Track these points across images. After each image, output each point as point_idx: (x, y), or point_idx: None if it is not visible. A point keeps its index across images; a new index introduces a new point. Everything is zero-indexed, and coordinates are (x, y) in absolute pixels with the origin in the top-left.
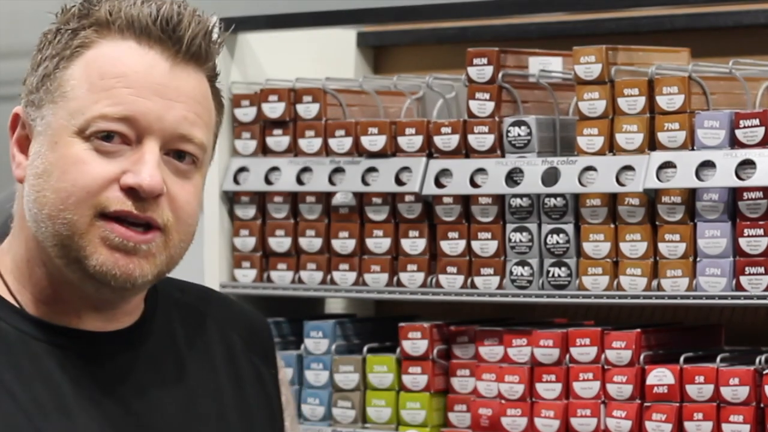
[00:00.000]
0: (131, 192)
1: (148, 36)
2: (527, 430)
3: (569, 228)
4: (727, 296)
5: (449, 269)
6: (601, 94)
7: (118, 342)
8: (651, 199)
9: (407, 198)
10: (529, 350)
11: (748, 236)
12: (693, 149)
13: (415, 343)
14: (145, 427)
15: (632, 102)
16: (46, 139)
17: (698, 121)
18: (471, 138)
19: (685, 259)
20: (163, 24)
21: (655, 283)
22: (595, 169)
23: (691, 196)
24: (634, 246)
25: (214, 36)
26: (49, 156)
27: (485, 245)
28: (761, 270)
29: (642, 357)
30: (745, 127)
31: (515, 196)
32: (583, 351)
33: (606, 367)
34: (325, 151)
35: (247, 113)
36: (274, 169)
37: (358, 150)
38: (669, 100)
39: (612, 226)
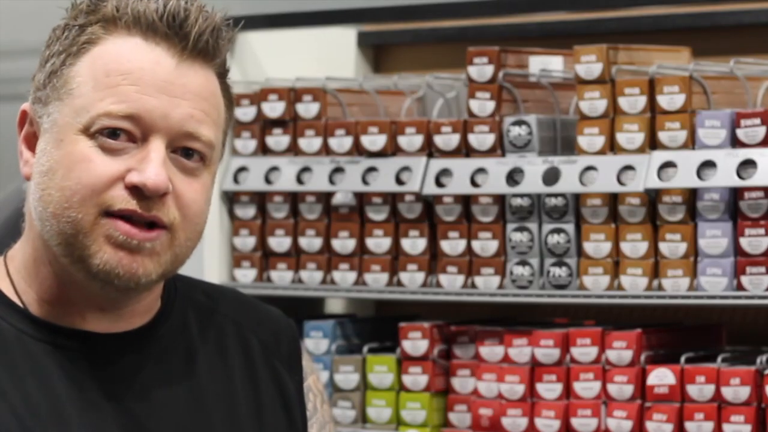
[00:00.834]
0: (136, 190)
1: (155, 32)
2: (528, 430)
3: (570, 228)
4: (728, 296)
5: (449, 269)
6: (601, 93)
7: (124, 343)
8: (652, 198)
9: (407, 198)
10: (530, 350)
11: (749, 236)
12: (694, 149)
13: (415, 343)
14: (146, 430)
15: (633, 101)
16: (52, 136)
17: (699, 121)
18: (471, 137)
19: (686, 259)
20: (170, 20)
21: (655, 282)
22: (595, 169)
23: (691, 195)
24: (634, 246)
25: (223, 32)
26: (55, 154)
27: (486, 245)
28: (762, 270)
29: (643, 357)
30: (746, 126)
31: (516, 195)
32: (584, 351)
33: (607, 367)
34: (325, 150)
35: (247, 113)
36: (274, 168)
37: (358, 150)
38: (670, 99)
39: (613, 225)
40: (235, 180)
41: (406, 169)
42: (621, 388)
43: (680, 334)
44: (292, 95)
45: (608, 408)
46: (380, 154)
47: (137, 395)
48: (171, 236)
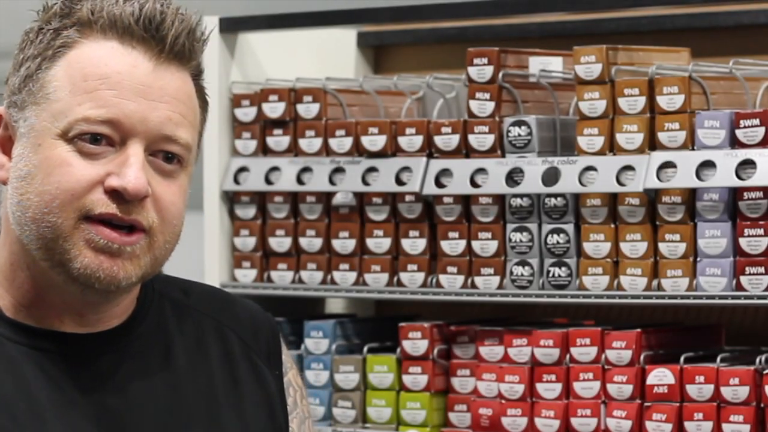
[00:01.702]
0: (115, 194)
1: (131, 36)
2: (527, 430)
3: (569, 228)
4: (727, 296)
5: (449, 269)
6: (601, 93)
7: (102, 343)
8: (651, 199)
9: (407, 198)
10: (530, 350)
11: (749, 236)
12: (693, 149)
13: (415, 343)
14: (125, 428)
15: (632, 102)
16: (29, 141)
17: (698, 121)
18: (471, 138)
19: (686, 259)
20: (146, 23)
21: (655, 283)
22: (595, 169)
23: (691, 196)
24: (634, 246)
25: (198, 34)
26: (33, 158)
27: (485, 245)
28: (761, 270)
29: (642, 357)
30: (745, 126)
31: (515, 196)
32: (584, 351)
33: (606, 367)
34: (326, 151)
35: (247, 113)
36: (275, 169)
37: (358, 150)
38: (669, 99)
39: (612, 226)
40: (236, 180)
41: (406, 169)
42: (620, 387)
43: (680, 334)
44: (293, 96)
45: (608, 408)
46: (380, 154)
47: (115, 392)
48: (150, 239)
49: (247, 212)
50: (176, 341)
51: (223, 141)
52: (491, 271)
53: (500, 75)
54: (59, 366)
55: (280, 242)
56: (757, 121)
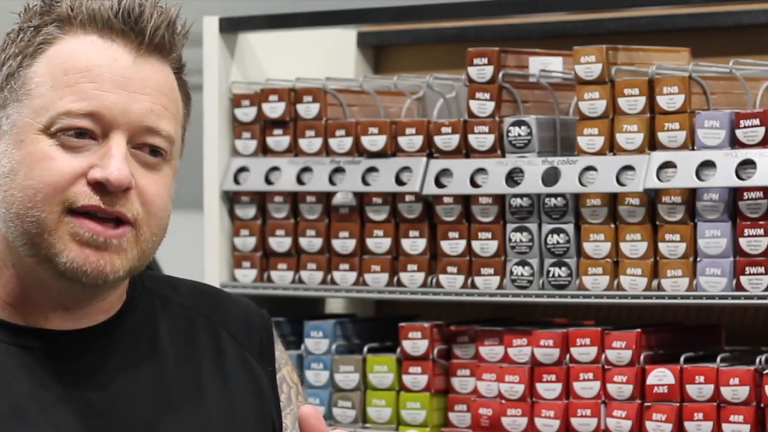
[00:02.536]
0: (99, 186)
1: (110, 29)
2: (527, 430)
3: (569, 228)
4: (727, 296)
5: (449, 269)
6: (601, 94)
7: (87, 339)
8: (651, 199)
9: (407, 198)
10: (530, 350)
11: (749, 236)
12: (693, 149)
13: (415, 343)
14: (110, 424)
15: (632, 102)
16: (12, 138)
17: (698, 121)
18: (471, 138)
19: (686, 259)
20: (125, 16)
21: (655, 283)
22: (595, 169)
23: (691, 196)
24: (634, 246)
25: (178, 27)
26: (15, 155)
27: (485, 245)
28: (761, 270)
29: (642, 357)
30: (745, 126)
31: (515, 196)
32: (584, 351)
33: (606, 367)
34: (326, 151)
35: (247, 113)
36: (275, 169)
37: (358, 150)
38: (669, 100)
39: (612, 226)
40: (236, 180)
41: (406, 169)
42: (620, 387)
43: (679, 334)
44: (293, 96)
45: (608, 408)
46: (380, 154)
47: (100, 388)
48: (136, 232)
49: (247, 212)
50: (164, 337)
51: (223, 141)
52: (491, 271)
53: (500, 75)
54: (43, 363)
55: (280, 242)
56: (757, 121)
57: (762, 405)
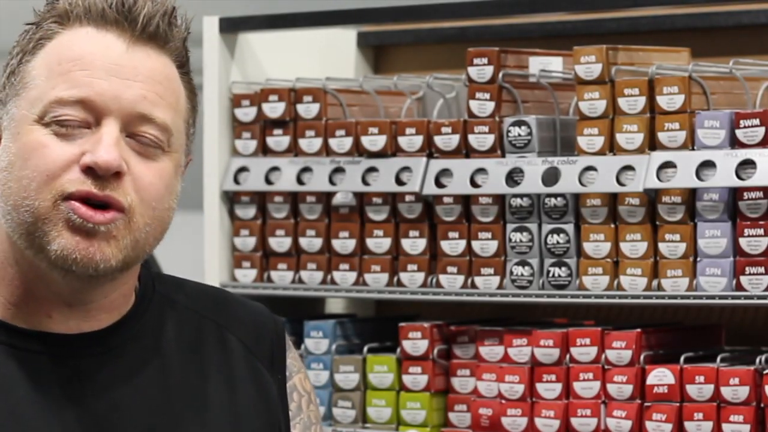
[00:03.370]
0: (91, 172)
1: (105, 20)
2: (527, 430)
3: (569, 228)
4: (727, 296)
5: (449, 269)
6: (601, 93)
7: (88, 343)
8: (651, 199)
9: (407, 198)
10: (530, 350)
11: (749, 236)
12: (693, 149)
13: (415, 343)
14: (109, 429)
15: (632, 102)
16: (10, 132)
17: (698, 121)
18: (471, 138)
19: (686, 259)
20: (119, 6)
21: (655, 283)
22: (595, 169)
23: (691, 196)
24: (634, 246)
25: (175, 18)
26: (12, 147)
27: (485, 245)
28: (761, 270)
29: (642, 357)
30: (745, 126)
31: (515, 196)
32: (584, 351)
33: (606, 367)
34: (326, 151)
35: (247, 113)
36: (275, 169)
37: (358, 150)
38: (669, 100)
39: (612, 226)
40: (236, 180)
41: (406, 169)
42: (620, 387)
43: (679, 334)
44: (293, 96)
45: (608, 408)
46: (380, 154)
47: (99, 394)
48: (129, 219)
49: (247, 212)
50: (170, 342)
51: (223, 141)
52: (491, 271)
53: (500, 75)
54: (43, 367)
55: (280, 242)
56: (757, 121)
57: (762, 405)
